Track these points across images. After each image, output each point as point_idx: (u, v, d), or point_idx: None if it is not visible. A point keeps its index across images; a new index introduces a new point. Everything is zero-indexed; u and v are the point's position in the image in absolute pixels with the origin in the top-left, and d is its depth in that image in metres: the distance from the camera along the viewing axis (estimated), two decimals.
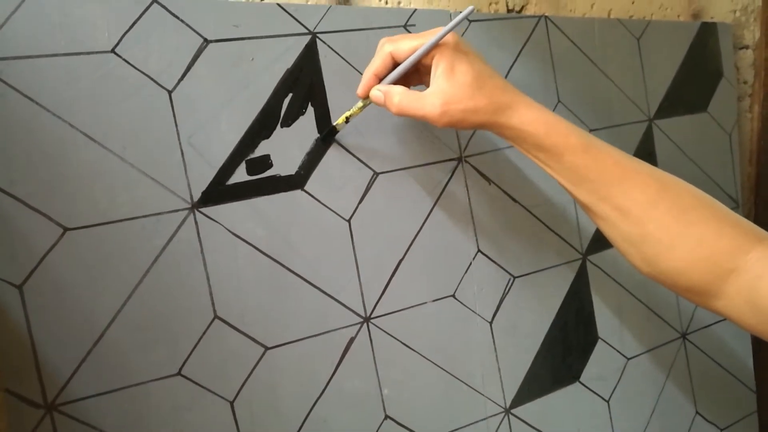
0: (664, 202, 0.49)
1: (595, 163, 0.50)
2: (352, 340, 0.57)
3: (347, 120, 0.54)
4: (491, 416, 0.64)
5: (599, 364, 0.71)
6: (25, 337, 0.46)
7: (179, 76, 0.51)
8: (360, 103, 0.54)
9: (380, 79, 0.52)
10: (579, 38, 0.69)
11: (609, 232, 0.52)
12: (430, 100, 0.50)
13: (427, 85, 0.51)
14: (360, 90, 0.53)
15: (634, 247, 0.50)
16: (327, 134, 0.56)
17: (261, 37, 0.54)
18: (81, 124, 0.47)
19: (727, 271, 0.47)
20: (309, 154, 0.55)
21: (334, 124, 0.55)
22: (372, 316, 0.58)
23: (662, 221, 0.49)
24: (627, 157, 0.51)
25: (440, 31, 0.49)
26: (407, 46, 0.50)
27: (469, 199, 0.63)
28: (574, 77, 0.69)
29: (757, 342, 0.84)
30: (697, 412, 0.78)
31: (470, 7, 0.49)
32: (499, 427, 0.65)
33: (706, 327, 0.79)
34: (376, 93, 0.52)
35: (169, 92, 0.50)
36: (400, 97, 0.50)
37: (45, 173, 0.46)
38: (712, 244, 0.47)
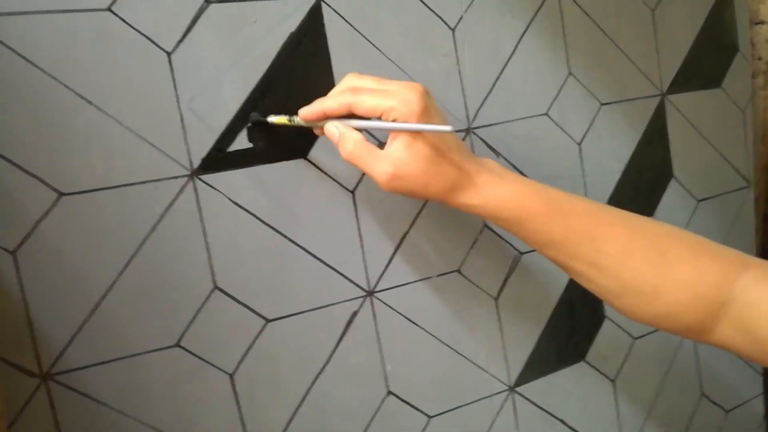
0: (638, 249, 0.47)
1: (559, 225, 0.47)
2: (355, 313, 0.56)
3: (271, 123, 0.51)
4: (495, 394, 0.63)
5: (605, 344, 0.69)
6: (19, 305, 0.45)
7: (179, 38, 0.49)
8: (294, 121, 0.50)
9: (330, 117, 0.48)
10: (592, 8, 0.67)
11: (588, 286, 0.50)
12: (381, 165, 0.46)
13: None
14: (304, 114, 0.49)
15: (617, 300, 0.49)
16: (254, 124, 0.51)
17: None
18: (77, 86, 0.45)
19: (718, 306, 0.45)
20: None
21: (270, 121, 0.51)
22: (375, 290, 0.57)
23: (640, 270, 0.47)
24: (593, 209, 0.49)
25: (415, 111, 0.44)
26: (369, 104, 0.45)
27: None
28: (586, 49, 0.67)
29: None
30: (702, 394, 0.77)
31: (449, 127, 0.43)
32: (503, 405, 0.64)
33: None
34: (332, 129, 0.48)
35: (169, 54, 0.48)
36: (353, 147, 0.47)
37: (39, 136, 0.45)
38: (696, 283, 0.46)
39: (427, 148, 0.45)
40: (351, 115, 0.48)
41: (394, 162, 0.46)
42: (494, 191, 0.47)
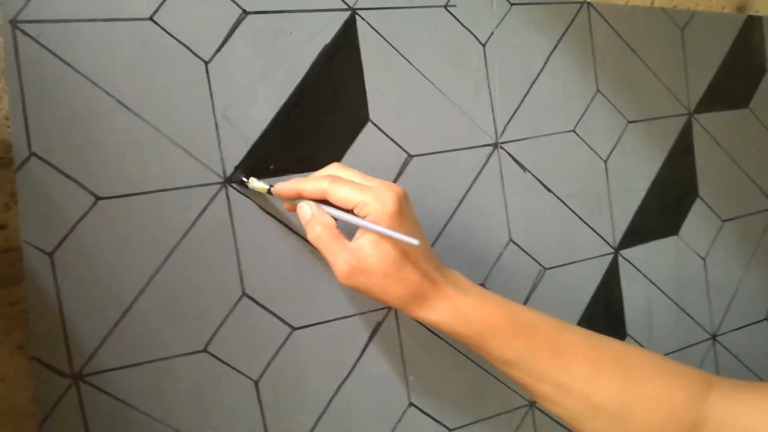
0: (606, 368, 0.45)
1: (524, 342, 0.46)
2: (379, 324, 0.56)
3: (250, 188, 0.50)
4: (515, 409, 0.63)
5: None
6: (54, 306, 0.45)
7: (216, 47, 0.50)
8: (270, 188, 0.49)
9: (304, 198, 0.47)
10: (621, 26, 0.68)
11: (556, 412, 0.47)
12: (344, 256, 0.44)
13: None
14: (279, 190, 0.48)
15: (588, 423, 0.46)
16: (238, 181, 0.51)
17: (300, 11, 0.52)
18: (116, 92, 0.46)
19: (690, 425, 0.44)
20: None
21: (246, 181, 0.50)
22: None
23: (609, 390, 0.45)
24: (557, 327, 0.48)
25: (389, 213, 0.43)
26: (343, 195, 0.44)
27: (503, 186, 0.61)
28: (615, 66, 0.67)
29: None
30: None
31: (416, 241, 0.42)
32: (523, 420, 0.63)
33: (737, 329, 0.77)
34: (306, 209, 0.47)
35: (206, 63, 0.49)
36: (321, 230, 0.45)
37: (79, 140, 0.46)
38: (667, 402, 0.45)
39: (394, 251, 0.44)
40: (325, 202, 0.47)
41: (358, 256, 0.44)
42: (457, 306, 0.45)
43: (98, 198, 0.46)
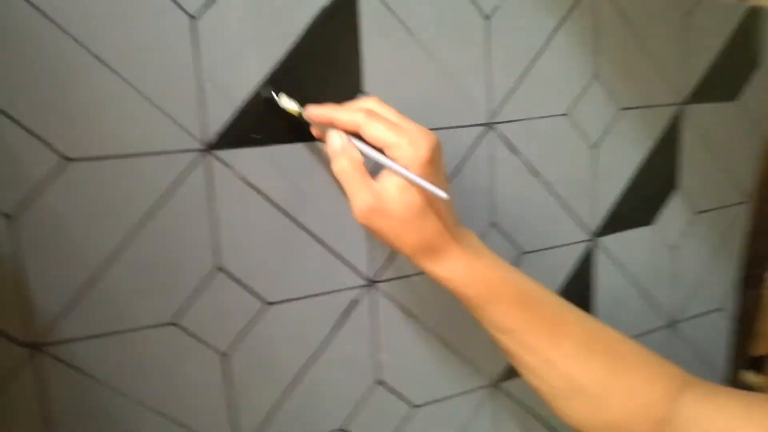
0: (596, 352, 0.47)
1: (524, 313, 0.47)
2: (354, 302, 0.55)
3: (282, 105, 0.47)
4: (478, 388, 0.64)
5: None
6: (14, 270, 0.42)
7: (204, 2, 0.45)
8: (300, 111, 0.47)
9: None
10: (628, 8, 0.65)
11: (536, 384, 0.49)
12: (365, 195, 0.43)
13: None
14: (312, 114, 0.46)
15: (565, 401, 0.47)
16: (267, 99, 0.48)
17: None
18: (92, 45, 0.42)
19: (660, 421, 0.45)
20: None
21: (276, 98, 0.47)
22: (378, 280, 0.56)
23: (595, 373, 0.46)
24: (558, 305, 0.49)
25: (423, 162, 0.42)
26: (378, 133, 0.43)
27: (491, 167, 0.60)
28: (615, 51, 0.65)
29: (736, 340, 0.85)
30: None
31: (445, 195, 0.42)
32: (482, 401, 0.64)
33: (695, 317, 0.79)
34: (336, 139, 0.45)
35: (193, 19, 0.45)
36: (348, 164, 0.44)
37: (48, 95, 0.41)
38: (645, 394, 0.46)
39: (419, 199, 0.43)
40: (356, 136, 0.45)
41: (381, 198, 0.43)
42: (466, 265, 0.46)
43: (68, 159, 0.42)
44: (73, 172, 0.43)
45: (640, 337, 0.75)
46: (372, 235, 0.45)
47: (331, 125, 0.46)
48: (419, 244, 0.45)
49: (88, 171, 0.43)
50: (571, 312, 0.49)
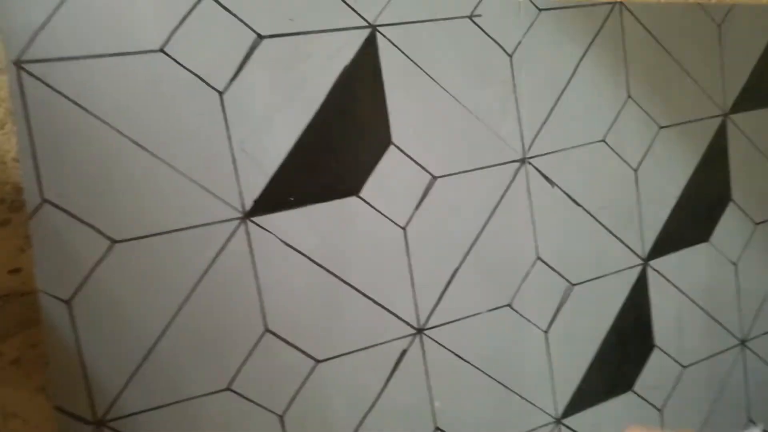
0: None
1: None
2: (404, 352, 0.55)
3: None
4: (541, 427, 0.62)
5: (654, 373, 0.68)
6: (74, 353, 0.44)
7: (231, 76, 0.47)
8: None
9: None
10: (655, 26, 0.64)
11: None
12: None
13: None
14: None
15: None
16: None
17: (317, 32, 0.50)
18: (129, 130, 0.44)
19: None
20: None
21: None
22: (425, 327, 0.56)
23: None
24: None
25: None
26: None
27: (530, 202, 0.59)
28: (647, 70, 0.64)
29: None
30: (751, 421, 0.76)
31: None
32: None
33: (767, 333, 0.75)
34: None
35: (221, 93, 0.47)
36: None
37: (92, 184, 0.44)
38: None
39: None
40: None
41: None
42: None
43: (114, 241, 0.45)
44: (121, 252, 0.45)
45: (709, 359, 0.71)
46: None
47: None
48: None
49: (134, 250, 0.45)
50: None
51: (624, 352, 0.66)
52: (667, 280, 0.68)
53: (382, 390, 0.54)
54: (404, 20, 0.52)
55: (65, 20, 0.42)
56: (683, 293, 0.69)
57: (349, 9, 0.50)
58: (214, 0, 0.46)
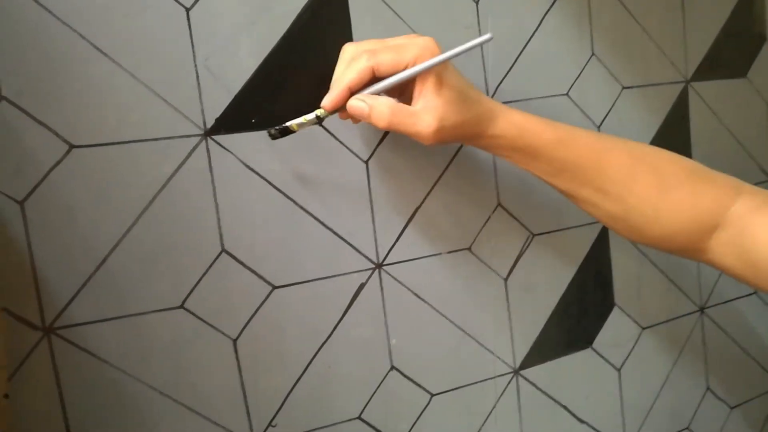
0: (642, 174, 0.50)
1: (570, 153, 0.50)
2: (362, 285, 0.55)
3: (297, 127, 0.48)
4: (499, 376, 0.62)
5: (613, 332, 0.69)
6: (24, 256, 0.44)
7: None
8: (318, 113, 0.47)
9: (353, 93, 0.47)
10: None
11: (593, 212, 0.53)
12: (424, 118, 0.46)
13: (400, 99, 0.47)
14: (329, 102, 0.47)
15: (620, 223, 0.52)
16: (279, 132, 0.48)
17: None
18: (92, 36, 0.45)
19: (711, 228, 0.49)
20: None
21: (289, 125, 0.48)
22: (384, 263, 0.56)
23: (643, 194, 0.50)
24: (600, 139, 0.52)
25: (438, 54, 0.45)
26: (388, 59, 0.45)
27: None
28: (611, 29, 0.65)
29: None
30: (708, 388, 0.76)
31: (488, 35, 0.45)
32: (506, 387, 0.63)
33: (726, 302, 0.77)
34: (359, 104, 0.46)
35: (187, 9, 0.47)
36: (391, 112, 0.46)
37: (53, 86, 0.44)
38: (692, 207, 0.50)
39: (454, 91, 0.46)
40: (369, 84, 0.47)
41: (434, 111, 0.46)
42: (512, 120, 0.49)
43: (72, 146, 0.45)
44: (79, 158, 0.45)
45: (668, 323, 0.72)
46: (439, 142, 0.48)
47: (350, 93, 0.47)
48: (474, 119, 0.47)
49: (92, 157, 0.45)
50: (612, 141, 0.52)
51: (584, 307, 0.66)
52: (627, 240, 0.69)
53: (339, 322, 0.54)
54: None
55: None
56: (643, 254, 0.70)
57: None
58: None
